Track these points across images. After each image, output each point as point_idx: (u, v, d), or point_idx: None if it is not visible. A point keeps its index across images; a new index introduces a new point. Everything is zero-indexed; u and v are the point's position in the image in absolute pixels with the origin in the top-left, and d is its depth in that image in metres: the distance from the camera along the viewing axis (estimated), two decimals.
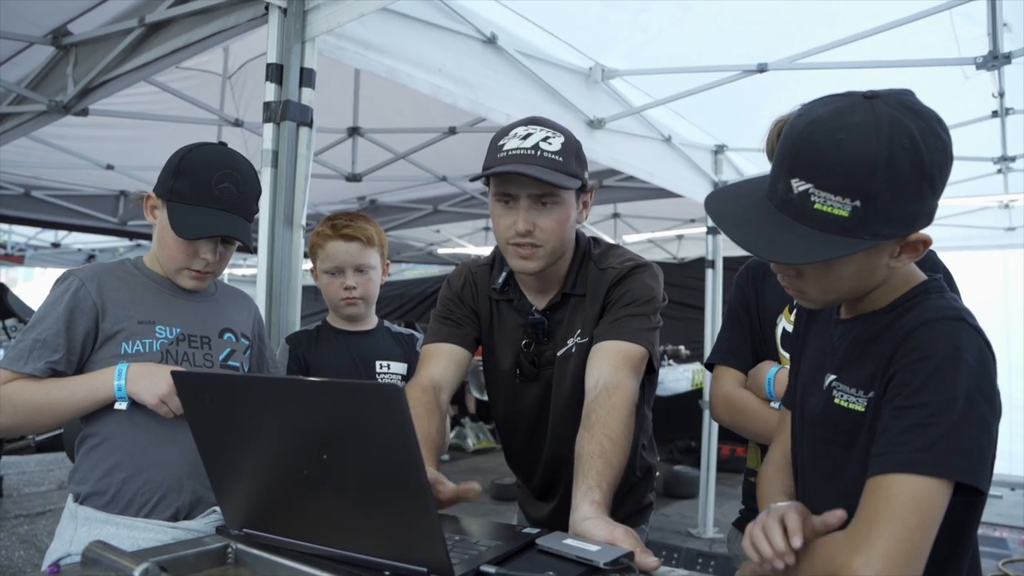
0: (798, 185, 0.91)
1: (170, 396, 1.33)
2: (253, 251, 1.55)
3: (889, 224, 0.90)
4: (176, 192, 1.43)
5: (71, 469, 1.47)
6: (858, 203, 0.88)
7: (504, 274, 1.54)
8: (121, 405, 1.37)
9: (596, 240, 1.57)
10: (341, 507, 0.94)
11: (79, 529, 1.39)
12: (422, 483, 0.84)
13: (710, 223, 4.61)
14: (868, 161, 0.87)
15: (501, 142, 1.40)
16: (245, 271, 13.18)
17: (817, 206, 0.90)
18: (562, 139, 1.39)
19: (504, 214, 1.41)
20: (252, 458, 1.01)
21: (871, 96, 0.91)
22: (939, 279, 1.03)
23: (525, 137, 1.37)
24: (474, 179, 1.43)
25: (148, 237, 1.53)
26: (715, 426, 4.69)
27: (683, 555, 3.98)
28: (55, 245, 8.74)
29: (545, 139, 1.37)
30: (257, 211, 1.55)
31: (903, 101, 0.91)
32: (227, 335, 1.55)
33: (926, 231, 0.95)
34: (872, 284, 1.00)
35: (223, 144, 1.52)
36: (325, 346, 1.89)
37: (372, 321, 1.97)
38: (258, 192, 1.54)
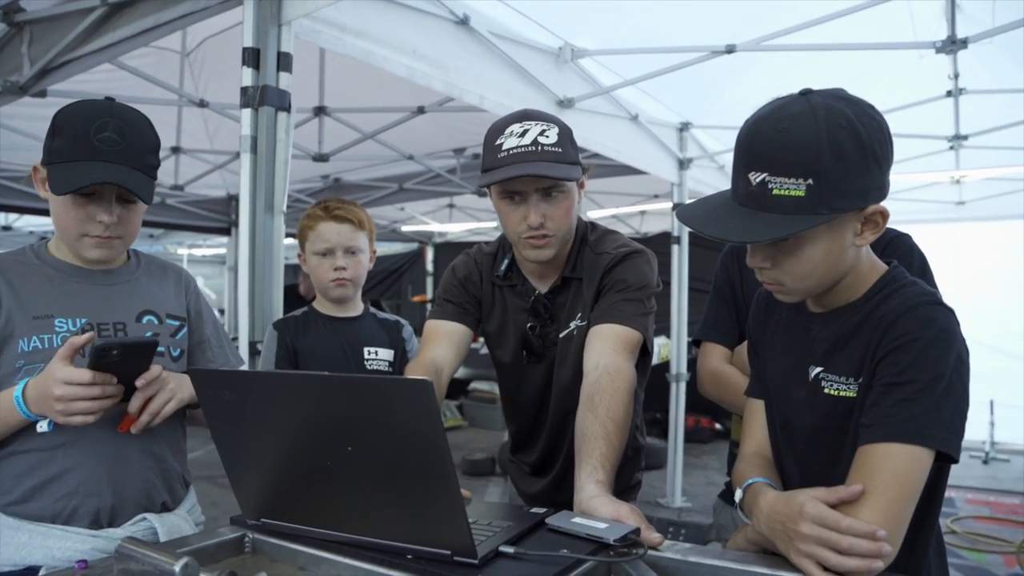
0: (755, 177, 1.00)
1: (68, 405, 1.17)
2: (147, 202, 1.35)
3: (843, 197, 0.98)
4: (54, 152, 1.29)
5: None
6: (811, 181, 0.97)
7: (507, 260, 1.58)
8: (43, 426, 1.26)
9: (593, 224, 1.61)
10: (364, 495, 0.97)
11: None
12: (449, 472, 0.87)
13: (676, 199, 4.69)
14: (812, 141, 0.97)
15: (498, 142, 1.40)
16: (205, 251, 12.84)
17: (775, 192, 0.99)
18: (557, 130, 1.41)
19: (513, 211, 1.44)
20: (272, 451, 1.03)
21: (806, 92, 1.03)
22: (899, 266, 1.12)
23: (522, 134, 1.38)
24: (482, 186, 1.46)
25: None
26: (682, 398, 4.81)
27: (654, 525, 4.09)
28: (6, 228, 8.43)
29: (542, 133, 1.39)
30: (157, 164, 1.37)
31: (835, 93, 1.02)
32: (147, 318, 1.41)
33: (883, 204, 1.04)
34: (842, 267, 1.07)
35: (110, 99, 1.35)
36: (313, 332, 1.89)
37: (359, 307, 1.97)
38: (153, 143, 1.36)
